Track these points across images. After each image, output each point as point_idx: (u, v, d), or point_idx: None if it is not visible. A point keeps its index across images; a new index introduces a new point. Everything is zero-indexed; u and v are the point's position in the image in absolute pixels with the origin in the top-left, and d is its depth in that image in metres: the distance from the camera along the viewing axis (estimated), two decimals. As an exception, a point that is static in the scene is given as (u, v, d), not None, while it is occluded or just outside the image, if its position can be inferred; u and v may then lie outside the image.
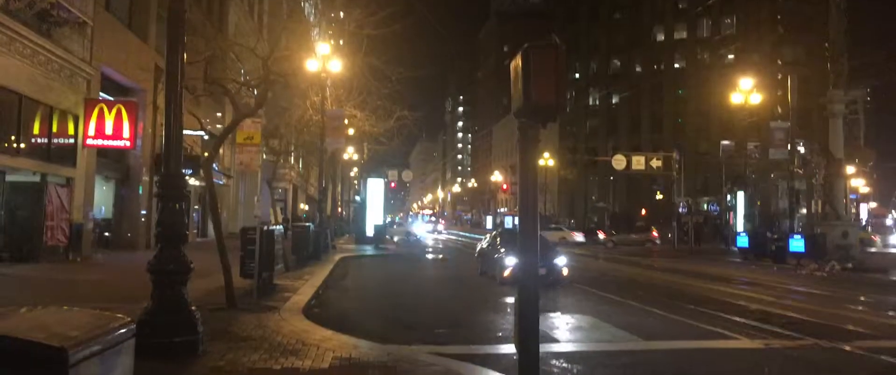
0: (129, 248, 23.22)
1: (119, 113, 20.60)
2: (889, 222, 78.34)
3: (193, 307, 7.54)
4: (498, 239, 19.76)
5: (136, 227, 24.16)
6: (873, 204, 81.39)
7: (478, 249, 22.27)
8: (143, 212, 24.15)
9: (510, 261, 16.28)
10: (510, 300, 14.67)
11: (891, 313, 13.61)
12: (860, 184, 67.17)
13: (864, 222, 61.27)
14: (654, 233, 46.55)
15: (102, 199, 24.34)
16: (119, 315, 2.90)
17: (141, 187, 24.31)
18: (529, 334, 3.87)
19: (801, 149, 43.92)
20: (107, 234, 23.65)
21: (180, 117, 7.56)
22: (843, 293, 17.48)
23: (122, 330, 2.66)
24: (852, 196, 56.70)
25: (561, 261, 16.95)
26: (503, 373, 7.15)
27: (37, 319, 2.74)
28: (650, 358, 9.00)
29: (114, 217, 24.77)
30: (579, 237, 52.99)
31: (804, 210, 50.42)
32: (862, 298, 16.33)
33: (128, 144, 20.93)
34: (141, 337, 7.21)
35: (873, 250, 40.08)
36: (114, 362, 2.61)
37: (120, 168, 24.28)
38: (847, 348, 9.49)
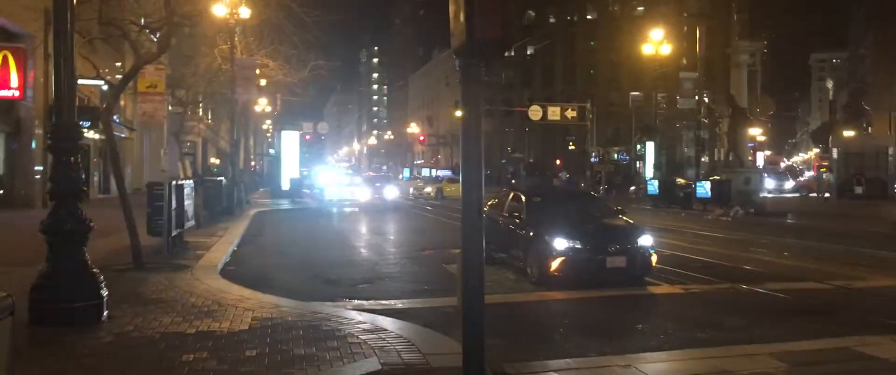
0: (24, 206, 21.65)
1: (5, 60, 18.98)
2: (782, 168, 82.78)
3: (95, 269, 6.93)
4: (525, 204, 11.55)
5: (31, 184, 22.52)
6: (768, 152, 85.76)
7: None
8: (38, 168, 22.50)
9: (561, 244, 9.84)
10: (444, 252, 14.51)
11: (793, 255, 14.30)
12: (758, 133, 70.60)
13: (761, 169, 64.54)
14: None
15: (-8, 154, 22.55)
16: (-10, 289, 2.43)
17: (34, 141, 22.59)
18: (474, 296, 3.60)
19: (706, 99, 45.48)
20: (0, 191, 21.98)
21: (72, 60, 6.80)
22: (749, 236, 18.26)
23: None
24: (750, 144, 59.44)
25: (646, 241, 10.31)
26: (434, 329, 6.93)
27: None
28: (575, 309, 9.03)
29: (5, 174, 23.01)
30: None
31: (705, 158, 52.60)
32: (767, 241, 17.10)
33: (17, 93, 19.34)
34: (37, 303, 6.64)
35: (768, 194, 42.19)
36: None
37: (9, 120, 22.43)
38: (760, 290, 9.84)
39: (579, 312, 8.74)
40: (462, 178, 3.78)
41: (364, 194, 33.85)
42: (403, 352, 5.88)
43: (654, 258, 10.39)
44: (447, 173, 66.55)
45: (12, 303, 2.38)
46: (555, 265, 9.81)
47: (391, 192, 35.77)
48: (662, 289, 10.06)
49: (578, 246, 9.90)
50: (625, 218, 11.59)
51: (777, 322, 7.91)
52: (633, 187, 46.53)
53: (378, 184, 37.68)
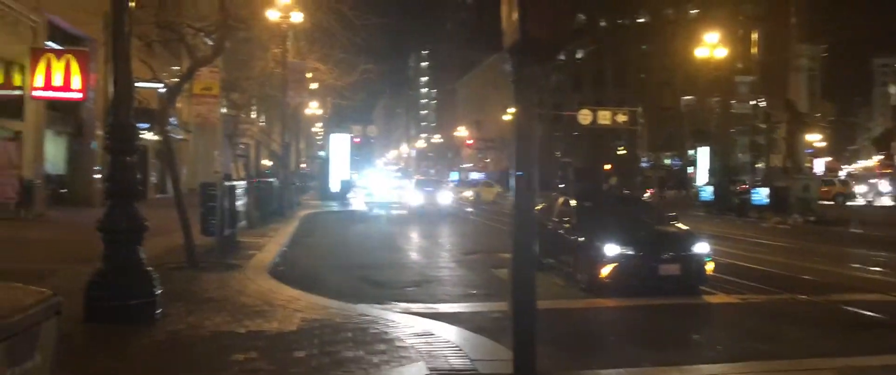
0: (85, 205, 22.34)
1: (68, 63, 19.48)
2: (841, 175, 79.94)
3: (149, 268, 7.04)
4: (575, 209, 11.50)
5: (91, 183, 23.24)
6: (828, 158, 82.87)
7: None
8: (98, 167, 23.21)
9: (612, 250, 9.63)
10: (491, 256, 14.41)
11: (857, 265, 13.71)
12: (816, 139, 68.31)
13: (820, 176, 62.46)
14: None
15: (56, 154, 23.36)
16: (40, 289, 2.41)
17: (95, 142, 23.31)
18: (525, 302, 3.46)
19: (763, 103, 44.27)
20: (62, 190, 22.75)
21: (128, 62, 6.93)
22: (808, 245, 17.64)
23: (38, 308, 2.18)
24: (808, 151, 57.53)
25: (702, 249, 9.99)
26: (482, 334, 6.82)
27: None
28: (626, 317, 8.81)
29: (67, 173, 23.81)
30: None
31: (760, 164, 51.20)
32: (827, 250, 16.48)
33: (79, 95, 19.87)
34: (92, 301, 6.78)
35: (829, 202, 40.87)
36: (27, 346, 2.14)
37: (72, 122, 23.22)
38: (822, 301, 9.44)
39: (631, 320, 8.53)
40: (514, 179, 3.66)
41: (415, 198, 30.64)
42: (451, 357, 5.80)
43: (710, 267, 9.98)
44: (482, 176, 66.94)
45: (59, 302, 2.37)
46: (605, 271, 9.55)
47: (445, 197, 31.42)
48: (719, 299, 9.73)
49: (630, 252, 9.63)
50: (679, 224, 11.27)
51: (841, 336, 7.57)
52: (660, 187, 45.00)
53: (428, 188, 33.18)
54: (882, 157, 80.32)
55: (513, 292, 3.73)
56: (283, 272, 11.13)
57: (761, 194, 28.84)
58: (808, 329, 7.85)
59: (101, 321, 6.63)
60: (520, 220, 3.63)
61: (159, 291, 7.05)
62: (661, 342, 7.36)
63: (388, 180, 46.85)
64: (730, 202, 30.77)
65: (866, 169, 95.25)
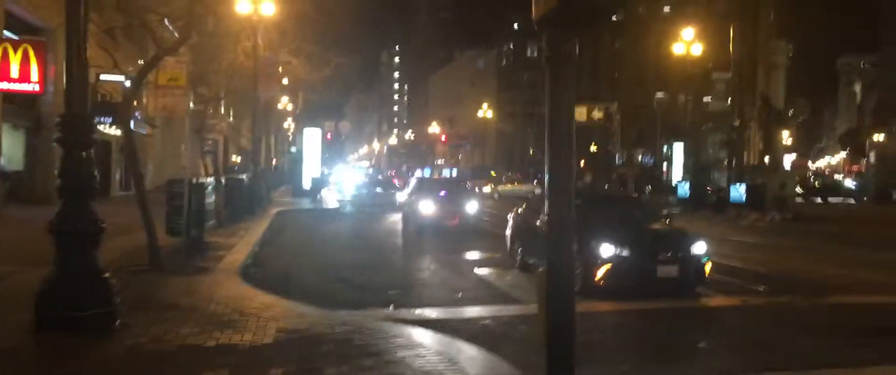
0: (44, 203, 21.27)
1: (26, 54, 18.48)
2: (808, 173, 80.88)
3: (107, 274, 6.35)
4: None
5: (51, 180, 22.15)
6: (794, 155, 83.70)
7: (511, 220, 12.45)
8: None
9: (607, 251, 9.13)
10: (473, 255, 13.86)
11: (850, 265, 13.43)
12: (785, 135, 68.75)
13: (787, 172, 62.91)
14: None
15: (13, 149, 22.26)
16: None
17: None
18: (562, 331, 2.88)
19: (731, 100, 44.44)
20: (18, 187, 21.67)
21: (84, 49, 6.22)
22: (792, 243, 17.41)
23: None
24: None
25: (700, 249, 9.54)
26: (475, 343, 6.26)
27: None
28: (625, 323, 8.32)
29: (25, 169, 22.70)
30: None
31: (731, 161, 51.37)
32: (811, 248, 16.23)
33: (37, 88, 18.84)
34: (43, 310, 6.06)
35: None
36: None
37: (30, 116, 22.13)
38: (826, 304, 9.05)
39: (630, 327, 8.03)
40: (547, 176, 3.08)
41: (426, 207, 18.96)
42: (447, 372, 5.23)
43: (708, 267, 9.49)
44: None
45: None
46: (600, 273, 9.02)
47: (471, 206, 19.86)
48: (719, 301, 9.28)
49: (626, 253, 9.14)
50: (673, 223, 10.82)
51: (858, 343, 7.10)
52: (636, 185, 44.85)
53: (442, 193, 20.62)
54: (846, 154, 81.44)
55: (547, 311, 3.16)
56: (256, 274, 10.45)
57: (739, 191, 28.70)
58: (823, 336, 7.39)
59: (53, 332, 5.94)
60: (555, 231, 3.06)
61: (118, 299, 6.37)
62: (666, 352, 6.87)
63: (361, 175, 45.47)
64: (706, 199, 30.60)
65: (830, 166, 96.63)
